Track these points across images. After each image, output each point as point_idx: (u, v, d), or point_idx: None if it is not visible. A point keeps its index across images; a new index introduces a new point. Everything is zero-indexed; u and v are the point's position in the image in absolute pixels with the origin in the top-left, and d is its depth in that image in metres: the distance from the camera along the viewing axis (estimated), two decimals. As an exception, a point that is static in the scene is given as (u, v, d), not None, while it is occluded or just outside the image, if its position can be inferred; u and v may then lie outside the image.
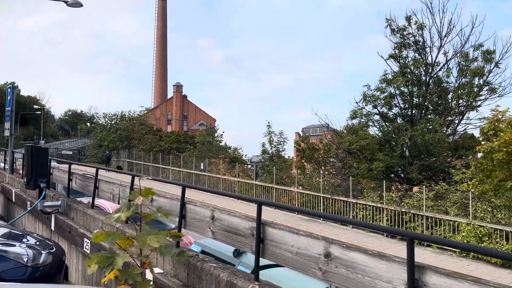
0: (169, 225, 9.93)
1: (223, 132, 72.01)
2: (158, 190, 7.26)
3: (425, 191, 20.79)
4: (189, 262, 4.91)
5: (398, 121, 26.60)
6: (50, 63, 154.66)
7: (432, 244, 19.06)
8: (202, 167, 36.41)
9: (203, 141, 44.88)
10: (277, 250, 4.04)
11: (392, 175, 26.73)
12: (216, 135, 51.16)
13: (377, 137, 26.78)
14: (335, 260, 3.41)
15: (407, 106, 26.53)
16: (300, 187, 28.03)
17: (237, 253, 7.43)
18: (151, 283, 4.43)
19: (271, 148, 36.68)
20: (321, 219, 24.10)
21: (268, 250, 4.15)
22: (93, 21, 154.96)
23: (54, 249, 7.42)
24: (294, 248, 3.86)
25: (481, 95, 25.31)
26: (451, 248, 18.40)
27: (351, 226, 22.41)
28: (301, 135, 35.57)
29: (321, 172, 28.35)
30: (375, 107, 26.76)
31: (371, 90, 26.54)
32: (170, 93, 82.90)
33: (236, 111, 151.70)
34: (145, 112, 69.27)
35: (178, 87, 79.59)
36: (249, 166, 53.06)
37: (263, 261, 5.49)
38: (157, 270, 5.32)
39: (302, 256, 3.75)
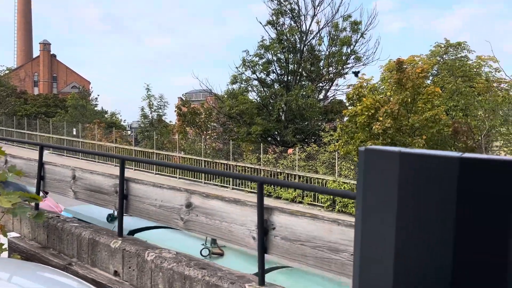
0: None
1: (98, 95, 67.89)
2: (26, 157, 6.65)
3: (298, 152, 22.29)
4: (49, 224, 4.66)
5: (275, 87, 27.75)
6: None
7: (303, 201, 20.87)
8: (74, 133, 34.03)
9: (76, 105, 41.83)
10: (141, 205, 4.03)
11: (269, 138, 28.06)
12: (90, 99, 47.99)
13: (256, 102, 27.69)
14: (196, 209, 3.52)
15: (283, 72, 27.74)
16: (182, 152, 27.98)
17: (111, 218, 7.21)
18: (4, 246, 4.13)
19: (151, 113, 35.68)
20: (203, 182, 24.67)
21: (132, 206, 4.12)
22: None
23: None
24: (157, 201, 3.88)
25: (349, 63, 27.59)
26: (320, 204, 20.37)
27: (231, 187, 23.33)
28: (184, 100, 35.13)
29: (203, 136, 28.57)
30: (254, 72, 27.53)
31: (250, 55, 27.17)
32: (37, 51, 75.02)
33: (115, 74, 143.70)
34: (7, 72, 61.77)
35: (46, 45, 72.24)
36: (129, 132, 51.05)
37: (139, 224, 5.44)
38: (13, 234, 4.97)
39: (165, 209, 3.80)
